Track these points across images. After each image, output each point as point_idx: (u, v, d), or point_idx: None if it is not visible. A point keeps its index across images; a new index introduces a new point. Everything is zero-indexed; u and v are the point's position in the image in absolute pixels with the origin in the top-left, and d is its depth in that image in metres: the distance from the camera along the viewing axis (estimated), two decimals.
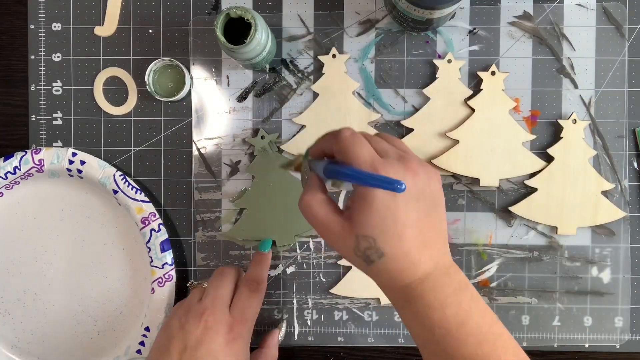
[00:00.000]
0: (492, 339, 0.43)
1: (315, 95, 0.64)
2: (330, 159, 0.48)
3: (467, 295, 0.44)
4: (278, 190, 0.64)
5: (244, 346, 0.55)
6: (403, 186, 0.41)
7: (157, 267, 0.63)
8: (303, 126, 0.64)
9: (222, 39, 0.55)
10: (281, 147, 0.64)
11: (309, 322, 0.65)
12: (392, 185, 0.41)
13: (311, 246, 0.65)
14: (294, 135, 0.64)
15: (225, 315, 0.55)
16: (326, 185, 0.49)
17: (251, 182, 0.64)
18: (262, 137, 0.64)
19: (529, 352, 0.64)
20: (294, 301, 0.65)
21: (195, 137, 0.65)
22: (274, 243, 0.64)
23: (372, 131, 0.63)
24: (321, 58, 0.64)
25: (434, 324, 0.43)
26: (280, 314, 0.65)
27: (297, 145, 0.64)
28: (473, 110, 0.63)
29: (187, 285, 0.63)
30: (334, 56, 0.64)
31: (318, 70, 0.64)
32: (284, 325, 0.65)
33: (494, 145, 0.63)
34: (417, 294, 0.44)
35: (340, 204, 0.64)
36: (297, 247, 0.65)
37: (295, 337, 0.65)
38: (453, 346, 0.43)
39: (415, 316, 0.44)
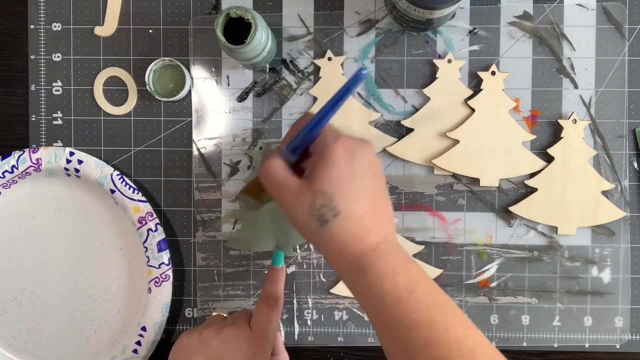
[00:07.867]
0: (440, 306, 0.44)
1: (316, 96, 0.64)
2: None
3: (415, 266, 0.46)
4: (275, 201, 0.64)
5: None
6: (365, 71, 0.44)
7: (154, 266, 0.63)
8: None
9: (222, 39, 0.55)
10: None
11: (309, 322, 0.65)
12: (358, 74, 0.44)
13: (311, 246, 0.65)
14: None
15: (246, 330, 0.55)
16: None
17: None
18: (260, 148, 0.64)
19: (529, 352, 0.65)
20: (294, 301, 0.65)
21: (195, 137, 0.65)
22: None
23: (373, 131, 0.63)
24: (317, 62, 0.64)
25: (386, 292, 0.44)
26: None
27: None
28: (473, 110, 0.63)
29: (206, 315, 0.64)
30: (329, 59, 0.64)
31: (318, 70, 0.64)
32: (282, 326, 0.65)
33: (494, 145, 0.63)
34: (369, 261, 0.45)
35: None
36: (297, 247, 0.65)
37: (295, 337, 0.65)
38: (404, 312, 0.44)
39: (368, 287, 0.45)
